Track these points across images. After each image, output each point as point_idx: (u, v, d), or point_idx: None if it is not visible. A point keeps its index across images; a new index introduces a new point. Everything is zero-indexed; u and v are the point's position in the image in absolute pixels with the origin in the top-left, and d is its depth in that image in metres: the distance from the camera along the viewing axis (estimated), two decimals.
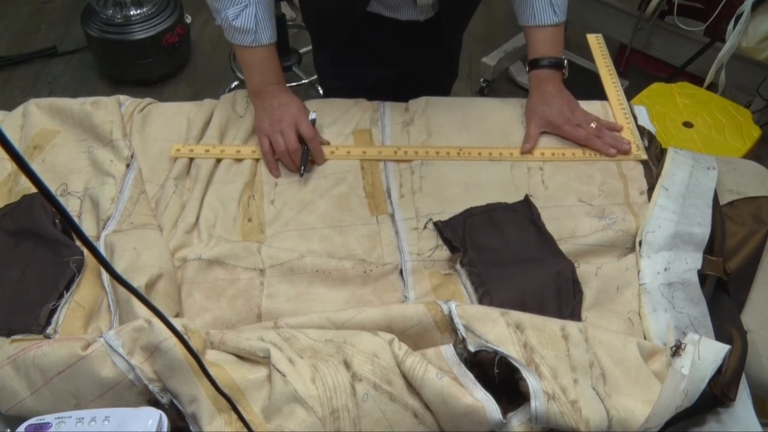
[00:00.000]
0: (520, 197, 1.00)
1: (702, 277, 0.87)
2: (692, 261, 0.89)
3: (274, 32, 1.07)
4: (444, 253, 0.93)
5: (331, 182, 1.04)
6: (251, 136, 1.10)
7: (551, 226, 0.95)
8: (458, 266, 0.90)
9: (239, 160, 1.06)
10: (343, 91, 1.20)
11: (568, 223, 0.96)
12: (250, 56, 1.08)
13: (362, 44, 1.21)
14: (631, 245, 0.93)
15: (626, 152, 1.06)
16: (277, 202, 1.01)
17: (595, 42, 1.29)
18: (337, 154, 1.07)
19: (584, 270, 0.89)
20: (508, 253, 0.92)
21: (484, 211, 0.97)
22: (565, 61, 1.11)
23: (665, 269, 0.88)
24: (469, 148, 1.07)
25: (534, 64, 1.12)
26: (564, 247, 0.92)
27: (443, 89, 1.38)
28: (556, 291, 0.86)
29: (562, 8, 1.08)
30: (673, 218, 0.93)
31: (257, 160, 1.07)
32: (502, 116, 1.14)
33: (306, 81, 2.35)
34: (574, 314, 0.84)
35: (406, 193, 1.02)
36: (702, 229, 0.92)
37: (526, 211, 0.97)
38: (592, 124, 1.08)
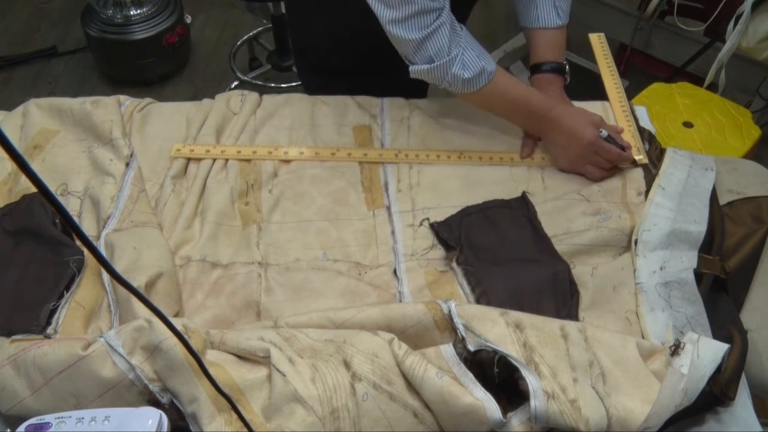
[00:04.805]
0: (518, 193, 1.00)
1: (698, 275, 0.87)
2: (688, 260, 0.89)
3: (488, 55, 0.99)
4: (439, 252, 0.94)
5: (329, 176, 1.04)
6: (249, 135, 1.10)
7: (546, 222, 0.95)
8: (454, 264, 0.90)
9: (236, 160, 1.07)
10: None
11: (563, 219, 0.96)
12: (496, 94, 0.99)
13: (356, 51, 1.20)
14: (626, 244, 0.93)
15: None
16: (275, 191, 1.02)
17: (597, 41, 1.28)
18: (338, 155, 1.07)
19: (580, 271, 0.89)
20: (503, 253, 0.92)
21: (480, 210, 0.97)
22: (567, 67, 1.11)
23: (661, 268, 0.88)
24: (470, 152, 1.07)
25: (536, 69, 1.11)
26: (559, 246, 0.92)
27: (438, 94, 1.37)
28: (553, 292, 0.86)
29: (565, 11, 1.08)
30: (670, 216, 0.93)
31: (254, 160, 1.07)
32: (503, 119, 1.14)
33: None
34: (571, 315, 0.84)
35: (403, 188, 1.02)
36: (698, 227, 0.92)
37: (522, 208, 0.97)
38: None
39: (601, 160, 1.00)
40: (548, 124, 1.01)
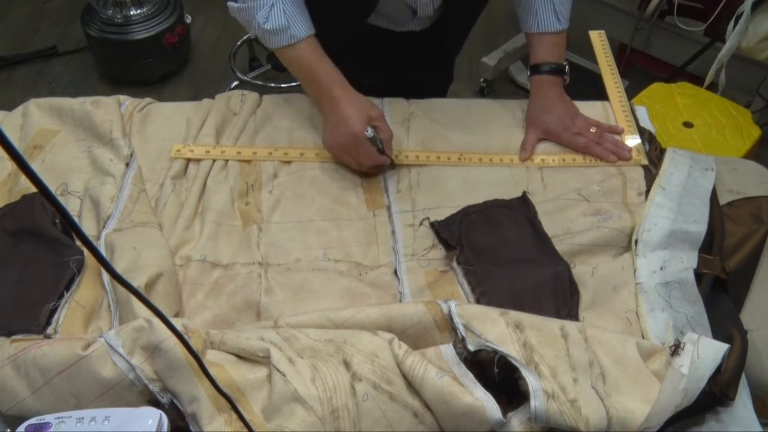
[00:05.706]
0: (518, 193, 1.00)
1: (698, 275, 0.87)
2: (688, 260, 0.89)
3: (309, 26, 1.02)
4: (439, 252, 0.94)
5: (329, 177, 1.04)
6: (249, 136, 1.10)
7: (547, 222, 0.95)
8: (454, 264, 0.90)
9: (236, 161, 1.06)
10: None
11: (564, 220, 0.96)
12: (294, 57, 1.02)
13: (354, 51, 1.21)
14: (626, 244, 0.93)
15: (626, 159, 1.05)
16: (275, 192, 1.02)
17: (597, 38, 1.28)
18: None
19: (580, 271, 0.89)
20: (504, 253, 0.92)
21: (480, 210, 0.97)
22: (567, 67, 1.11)
23: (661, 268, 0.88)
24: (470, 153, 1.07)
25: (535, 70, 1.11)
26: (559, 247, 0.92)
27: (438, 94, 1.37)
28: (553, 292, 0.86)
29: (565, 16, 1.08)
30: (670, 216, 0.93)
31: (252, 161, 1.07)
32: (503, 119, 1.14)
33: None
34: (572, 315, 0.84)
35: (403, 189, 1.03)
36: (698, 227, 0.92)
37: (523, 208, 0.97)
38: (592, 130, 1.07)
39: (359, 158, 1.01)
40: (328, 103, 1.03)
